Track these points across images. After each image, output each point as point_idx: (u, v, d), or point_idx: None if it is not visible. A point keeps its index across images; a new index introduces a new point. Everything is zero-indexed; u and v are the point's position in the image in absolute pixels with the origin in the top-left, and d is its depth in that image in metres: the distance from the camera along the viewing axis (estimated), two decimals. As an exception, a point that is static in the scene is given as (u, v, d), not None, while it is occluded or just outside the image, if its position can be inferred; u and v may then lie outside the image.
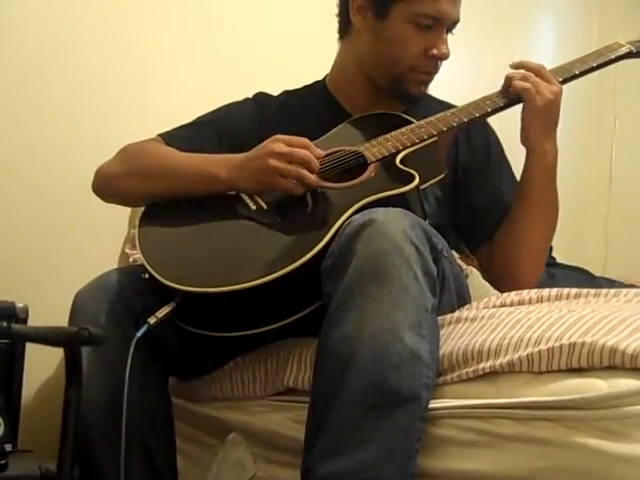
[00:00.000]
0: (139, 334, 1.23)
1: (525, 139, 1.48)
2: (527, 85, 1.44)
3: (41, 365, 1.83)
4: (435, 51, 1.48)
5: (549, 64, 1.52)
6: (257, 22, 2.32)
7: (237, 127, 1.56)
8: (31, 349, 1.56)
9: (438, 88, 1.61)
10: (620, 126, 2.87)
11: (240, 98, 1.64)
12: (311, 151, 1.35)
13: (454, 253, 1.56)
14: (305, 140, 1.37)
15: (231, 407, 1.44)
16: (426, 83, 1.55)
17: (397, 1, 1.46)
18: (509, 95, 1.48)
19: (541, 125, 1.46)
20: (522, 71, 1.47)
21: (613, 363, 1.01)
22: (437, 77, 1.55)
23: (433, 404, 1.12)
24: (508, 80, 1.47)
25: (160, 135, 1.55)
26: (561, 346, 1.05)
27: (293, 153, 1.34)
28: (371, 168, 1.40)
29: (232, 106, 1.62)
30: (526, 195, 1.50)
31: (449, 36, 1.51)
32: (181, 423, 1.46)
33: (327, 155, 1.44)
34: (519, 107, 1.48)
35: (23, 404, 1.60)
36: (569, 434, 0.99)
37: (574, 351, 1.04)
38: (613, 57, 1.55)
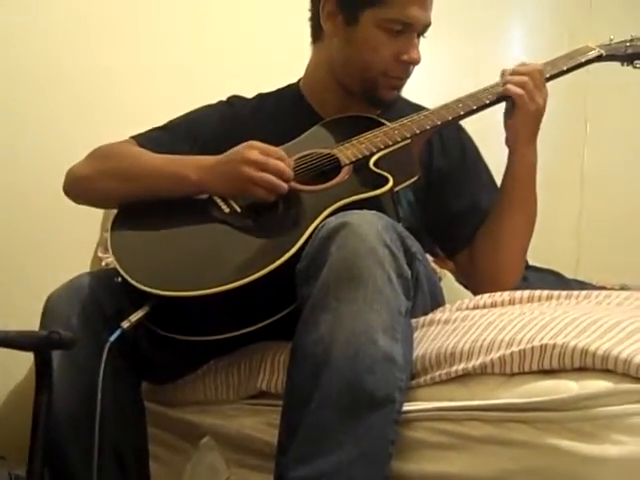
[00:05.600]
0: (112, 339, 1.22)
1: (512, 141, 1.49)
2: (521, 92, 1.45)
3: (11, 370, 1.82)
4: (406, 56, 1.48)
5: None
6: (235, 26, 2.30)
7: (210, 130, 1.55)
8: (1, 354, 1.55)
9: (411, 91, 1.61)
10: (591, 130, 2.90)
11: (215, 100, 1.63)
12: (286, 163, 1.35)
13: (428, 256, 1.56)
14: (281, 152, 1.36)
15: (204, 411, 1.44)
16: (398, 88, 1.54)
17: (366, 7, 1.46)
18: (487, 97, 1.48)
19: (530, 129, 1.48)
20: (518, 77, 1.47)
21: (584, 364, 1.02)
22: (410, 80, 1.55)
23: (406, 407, 1.12)
24: (504, 82, 1.48)
25: (132, 137, 1.54)
26: (532, 348, 1.06)
27: (268, 162, 1.33)
28: (345, 170, 1.41)
29: (205, 109, 1.61)
30: (509, 197, 1.51)
31: (422, 40, 1.52)
32: (154, 427, 1.45)
33: (300, 158, 1.44)
34: (495, 109, 1.49)
35: (-6, 409, 1.59)
36: (541, 435, 1.00)
37: (545, 353, 1.04)
38: (583, 60, 1.57)
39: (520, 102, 1.45)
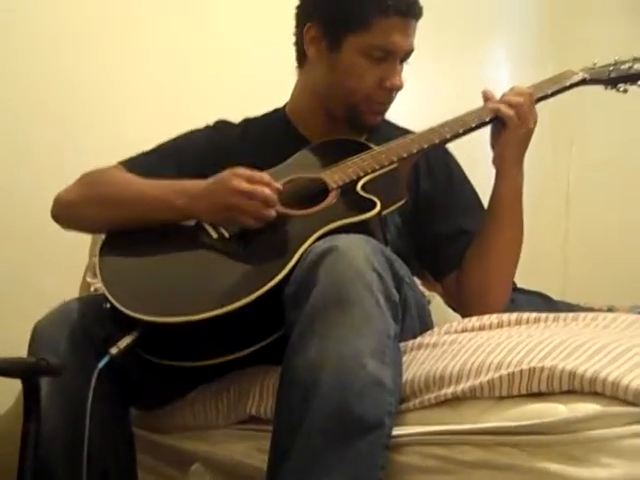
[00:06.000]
0: (101, 365, 1.22)
1: (500, 161, 1.50)
2: (512, 113, 1.46)
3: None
4: (388, 83, 1.49)
5: (504, 91, 1.54)
6: (224, 51, 2.32)
7: (197, 153, 1.56)
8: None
9: (395, 115, 1.62)
10: (577, 151, 2.92)
11: (203, 124, 1.64)
12: (272, 188, 1.35)
13: (416, 279, 1.57)
14: (266, 177, 1.36)
15: (194, 437, 1.43)
16: (381, 113, 1.55)
17: (349, 33, 1.47)
18: (474, 120, 1.49)
19: (518, 150, 1.49)
20: (514, 98, 1.48)
21: (572, 387, 1.02)
22: (396, 104, 1.56)
23: (396, 431, 1.12)
24: (496, 104, 1.49)
25: (121, 162, 1.54)
26: (521, 371, 1.06)
27: (255, 191, 1.33)
28: (332, 194, 1.41)
29: (192, 134, 1.62)
30: (496, 217, 1.51)
31: (405, 65, 1.53)
32: (143, 454, 1.43)
33: (287, 182, 1.44)
34: (483, 131, 1.50)
35: (-19, 437, 1.57)
36: (530, 459, 1.00)
37: (534, 376, 1.05)
38: (568, 84, 1.58)
39: (511, 124, 1.46)
